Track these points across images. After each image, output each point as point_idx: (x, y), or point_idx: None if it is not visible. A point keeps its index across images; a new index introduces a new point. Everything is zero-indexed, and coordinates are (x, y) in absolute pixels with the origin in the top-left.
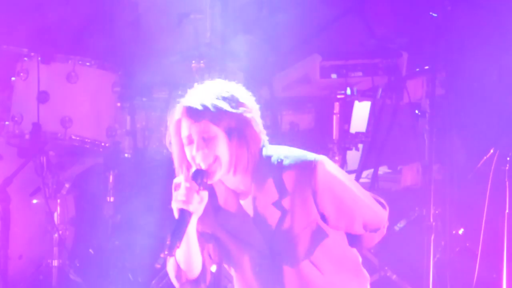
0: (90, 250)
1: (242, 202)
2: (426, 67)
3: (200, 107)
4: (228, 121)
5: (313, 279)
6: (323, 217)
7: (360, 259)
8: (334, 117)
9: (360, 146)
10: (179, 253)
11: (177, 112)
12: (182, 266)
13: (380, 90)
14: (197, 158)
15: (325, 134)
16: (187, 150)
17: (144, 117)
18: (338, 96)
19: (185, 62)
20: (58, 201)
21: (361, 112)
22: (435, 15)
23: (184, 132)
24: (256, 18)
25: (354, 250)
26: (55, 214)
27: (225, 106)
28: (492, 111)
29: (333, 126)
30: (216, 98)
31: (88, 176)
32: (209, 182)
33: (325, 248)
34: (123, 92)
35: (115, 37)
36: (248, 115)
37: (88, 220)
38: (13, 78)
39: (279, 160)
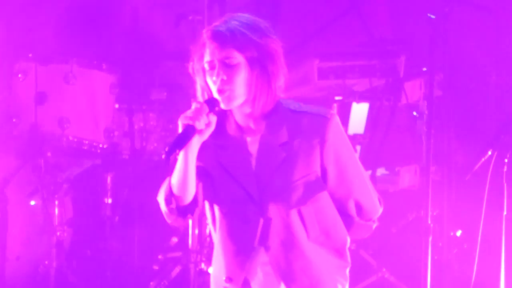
0: (88, 252)
1: (248, 139)
2: (424, 69)
3: (225, 32)
4: (252, 50)
5: (297, 238)
6: (324, 174)
7: (348, 243)
8: None
9: (358, 147)
10: (175, 175)
11: (203, 36)
12: (174, 190)
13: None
14: (216, 83)
15: None
16: (208, 76)
17: (141, 119)
18: (336, 98)
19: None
20: (56, 202)
21: (358, 113)
22: (433, 16)
23: (207, 57)
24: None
25: (345, 230)
26: (53, 216)
27: (252, 34)
28: (490, 112)
29: None
30: (243, 26)
31: (86, 177)
32: (222, 107)
33: (318, 206)
34: (121, 94)
35: (113, 38)
36: (273, 47)
37: (86, 221)
38: (11, 80)
39: (295, 105)
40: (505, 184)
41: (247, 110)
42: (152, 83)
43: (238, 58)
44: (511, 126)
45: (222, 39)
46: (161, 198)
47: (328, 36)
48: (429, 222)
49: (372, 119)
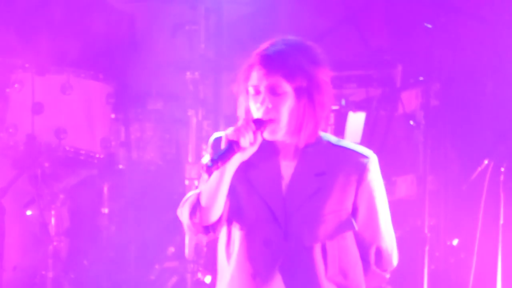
0: (85, 262)
1: (283, 163)
2: (421, 78)
3: (276, 59)
4: (301, 80)
5: (316, 273)
6: (354, 214)
7: None
8: (329, 128)
9: None
10: (206, 190)
11: (252, 58)
12: (202, 203)
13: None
14: (260, 111)
15: None
16: (252, 100)
17: (138, 128)
18: (333, 107)
19: (179, 73)
20: (53, 212)
21: (355, 123)
22: (430, 26)
23: (253, 81)
24: (250, 29)
25: (362, 275)
26: (50, 226)
27: (302, 63)
28: (486, 122)
29: None
30: (294, 53)
31: (82, 188)
32: (265, 136)
33: (342, 244)
34: (118, 103)
35: (109, 49)
36: (322, 78)
37: (82, 231)
38: (7, 90)
39: (337, 140)
40: (501, 194)
41: (289, 137)
42: (148, 93)
43: (286, 87)
44: (507, 135)
45: (271, 66)
46: (185, 211)
47: (324, 46)
48: (426, 231)
49: (368, 128)
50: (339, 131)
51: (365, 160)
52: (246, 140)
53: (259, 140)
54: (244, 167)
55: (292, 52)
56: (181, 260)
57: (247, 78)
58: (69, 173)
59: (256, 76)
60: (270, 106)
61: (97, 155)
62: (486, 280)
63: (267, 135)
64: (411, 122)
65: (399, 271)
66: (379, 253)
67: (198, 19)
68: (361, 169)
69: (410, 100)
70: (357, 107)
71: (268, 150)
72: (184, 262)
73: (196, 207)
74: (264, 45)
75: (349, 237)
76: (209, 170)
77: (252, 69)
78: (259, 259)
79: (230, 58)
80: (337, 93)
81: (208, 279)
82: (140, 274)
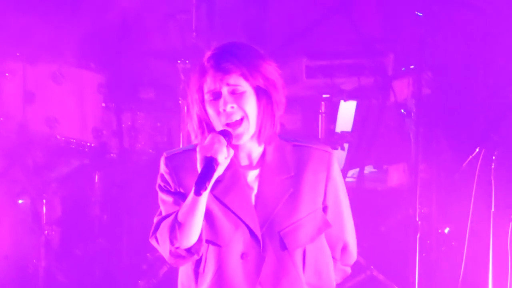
0: (77, 251)
1: (249, 173)
2: (412, 67)
3: (231, 59)
4: (258, 79)
5: (296, 278)
6: (324, 212)
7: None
8: (320, 116)
9: (346, 145)
10: (184, 213)
11: (203, 66)
12: (183, 226)
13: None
14: (223, 114)
15: (311, 134)
16: (211, 107)
17: (130, 117)
18: (324, 96)
19: (171, 62)
20: (44, 201)
21: (347, 111)
22: (421, 14)
23: (211, 86)
24: (241, 18)
25: (333, 273)
26: (41, 215)
27: (256, 61)
28: (478, 110)
29: (319, 125)
30: (246, 53)
31: (74, 177)
32: (234, 143)
33: (318, 245)
34: (109, 92)
35: (101, 38)
36: (275, 75)
37: (74, 220)
38: None
39: (296, 140)
40: (492, 181)
41: (250, 143)
42: (140, 82)
43: (245, 86)
44: (498, 124)
45: (227, 66)
46: (163, 238)
47: (316, 35)
48: (417, 219)
49: (360, 117)
50: (331, 120)
51: (327, 156)
52: (222, 156)
53: (231, 153)
54: (211, 188)
55: (243, 52)
56: None
57: (200, 87)
58: (60, 162)
59: (212, 80)
60: (234, 106)
61: (89, 144)
62: (477, 268)
63: (235, 140)
64: (403, 111)
65: (391, 259)
66: (345, 248)
67: (189, 8)
68: (327, 166)
69: (401, 88)
70: (349, 95)
71: (230, 163)
72: None
73: (176, 231)
74: (211, 51)
75: (322, 236)
76: (198, 192)
77: (205, 76)
78: (239, 275)
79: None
80: (329, 82)
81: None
82: (132, 263)
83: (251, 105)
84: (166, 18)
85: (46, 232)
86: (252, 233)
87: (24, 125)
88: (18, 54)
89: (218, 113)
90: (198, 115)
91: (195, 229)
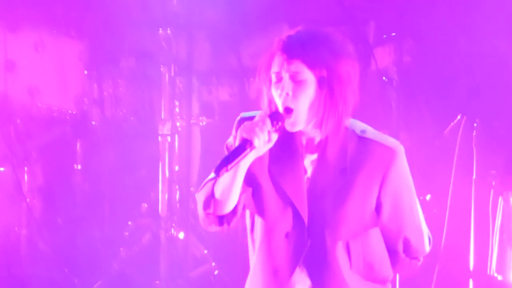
0: (58, 219)
1: (306, 156)
2: (393, 34)
3: (297, 45)
4: (322, 69)
5: (340, 267)
6: (378, 209)
7: (391, 278)
8: None
9: None
10: (220, 182)
11: (273, 46)
12: (216, 195)
13: None
14: (281, 97)
15: None
16: (274, 88)
17: (111, 85)
18: None
19: (151, 30)
20: (26, 169)
21: None
22: None
23: (275, 68)
24: None
25: (390, 267)
26: (23, 183)
27: (324, 51)
28: (459, 78)
29: None
30: (316, 42)
31: (55, 145)
32: (288, 129)
33: (367, 241)
34: (90, 60)
35: (81, 5)
36: (346, 70)
37: (56, 188)
38: None
39: (362, 130)
40: (474, 149)
41: (312, 130)
42: (121, 50)
43: (307, 74)
44: (480, 91)
45: (293, 51)
46: (199, 200)
47: (297, 2)
48: None
49: None
50: None
51: (390, 154)
52: (260, 140)
53: (274, 138)
54: (266, 158)
55: (313, 41)
56: (154, 217)
57: (268, 66)
58: (42, 130)
59: (277, 63)
60: (290, 93)
61: (70, 112)
62: (459, 235)
63: (288, 126)
64: (384, 78)
65: None
66: (407, 243)
67: None
68: (386, 165)
69: (383, 56)
70: None
71: (291, 142)
72: (158, 219)
73: (210, 198)
74: (286, 33)
75: (374, 233)
76: (217, 172)
77: (274, 56)
78: (282, 255)
79: (202, 14)
80: None
81: (181, 235)
82: (114, 231)
83: (307, 94)
84: None
85: (27, 200)
86: (298, 214)
87: (5, 94)
88: None
89: (278, 95)
90: (266, 93)
91: (228, 201)
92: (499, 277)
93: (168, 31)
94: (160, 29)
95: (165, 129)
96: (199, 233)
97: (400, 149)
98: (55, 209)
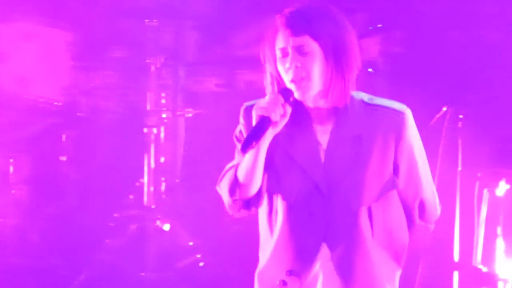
0: (44, 209)
1: (318, 129)
2: (379, 26)
3: (300, 18)
4: (327, 39)
5: (363, 236)
6: (395, 172)
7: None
8: None
9: None
10: (243, 166)
11: (275, 23)
12: (240, 180)
13: None
14: (289, 71)
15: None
16: (280, 64)
17: (98, 76)
18: None
19: (138, 20)
20: (11, 160)
21: None
22: None
23: (280, 44)
24: None
25: (407, 233)
26: (9, 174)
27: (327, 22)
28: (446, 69)
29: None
30: (319, 14)
31: (42, 136)
32: (296, 97)
33: (387, 204)
34: (77, 51)
35: None
36: (349, 39)
37: (42, 180)
38: None
39: (369, 98)
40: (459, 140)
41: (320, 101)
42: (109, 40)
43: (313, 46)
44: (466, 82)
45: (297, 25)
46: (224, 189)
47: None
48: None
49: None
50: None
51: (401, 117)
52: (276, 114)
53: (289, 111)
54: (280, 138)
55: (315, 13)
56: (140, 208)
57: (272, 42)
58: (29, 121)
59: (282, 38)
60: (299, 65)
61: (57, 103)
62: (443, 227)
63: (298, 95)
64: (370, 70)
65: None
66: (423, 206)
67: None
68: (399, 127)
69: (369, 47)
70: None
71: (301, 118)
72: (143, 210)
73: (235, 184)
74: (287, 9)
75: (393, 195)
76: (244, 149)
77: (277, 32)
78: (305, 231)
79: (189, 5)
80: None
81: (167, 226)
82: (99, 222)
83: (316, 65)
84: None
85: (13, 191)
86: (318, 189)
87: None
88: None
89: (285, 70)
90: (270, 72)
91: (252, 183)
92: (485, 269)
93: (155, 22)
94: (147, 20)
95: (151, 120)
96: (184, 225)
97: (409, 112)
98: (41, 200)
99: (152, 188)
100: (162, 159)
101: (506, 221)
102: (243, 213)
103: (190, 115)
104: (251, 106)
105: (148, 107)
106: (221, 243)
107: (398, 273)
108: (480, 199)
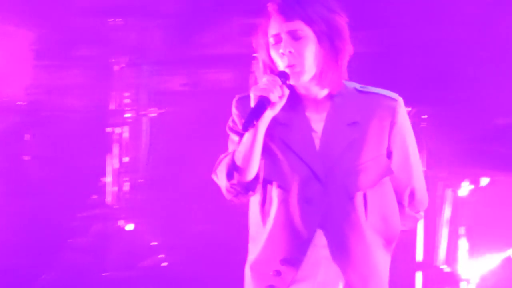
0: (5, 209)
1: (312, 117)
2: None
3: (293, 4)
4: (320, 24)
5: (359, 222)
6: (388, 158)
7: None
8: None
9: None
10: (241, 149)
11: (267, 10)
12: (238, 163)
13: None
14: (284, 57)
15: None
16: (273, 50)
17: (61, 75)
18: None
19: (102, 19)
20: None
21: None
22: None
23: (273, 31)
24: None
25: (399, 220)
26: None
27: (320, 7)
28: (411, 68)
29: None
30: (313, 0)
31: (5, 136)
32: (291, 82)
33: (382, 190)
34: (40, 50)
35: None
36: (341, 23)
37: (4, 180)
38: None
39: (361, 86)
40: (423, 141)
41: (314, 86)
42: (72, 39)
43: (306, 31)
44: (429, 83)
45: (290, 11)
46: (221, 173)
47: None
48: None
49: None
50: None
51: (394, 103)
52: (275, 95)
53: (287, 92)
54: (275, 125)
55: None
56: (103, 208)
57: (265, 30)
58: None
59: (274, 24)
60: (292, 50)
61: (20, 102)
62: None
63: (293, 80)
64: None
65: None
66: (413, 194)
67: None
68: (392, 113)
69: None
70: None
71: (295, 106)
72: (106, 210)
73: (232, 168)
74: None
75: (387, 182)
76: (245, 128)
77: (270, 19)
78: (301, 218)
79: (155, 3)
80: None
81: (130, 226)
82: (62, 222)
83: (310, 50)
84: None
85: None
86: (315, 176)
87: None
88: None
89: (280, 56)
90: (263, 59)
91: (250, 167)
92: (448, 269)
93: (119, 21)
94: (111, 18)
95: (114, 120)
96: (148, 225)
97: (401, 99)
98: (3, 199)
99: (115, 188)
100: (125, 159)
101: (469, 221)
102: (240, 198)
103: (154, 114)
104: (244, 97)
105: (111, 107)
106: (185, 243)
107: (389, 260)
108: (443, 200)
